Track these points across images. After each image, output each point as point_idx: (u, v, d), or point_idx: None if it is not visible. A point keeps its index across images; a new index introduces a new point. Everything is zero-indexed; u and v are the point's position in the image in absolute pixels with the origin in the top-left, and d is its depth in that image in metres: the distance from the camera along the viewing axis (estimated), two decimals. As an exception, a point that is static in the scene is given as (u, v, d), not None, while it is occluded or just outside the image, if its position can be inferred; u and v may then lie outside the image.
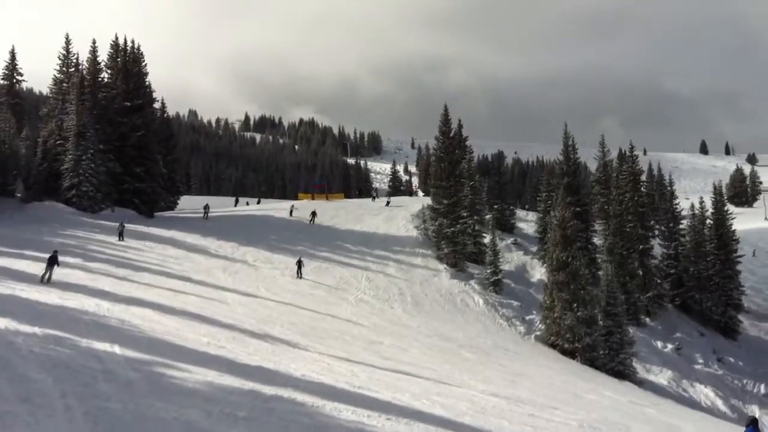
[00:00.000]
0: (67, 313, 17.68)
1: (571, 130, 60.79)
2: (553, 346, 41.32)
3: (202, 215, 58.44)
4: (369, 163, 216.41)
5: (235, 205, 78.04)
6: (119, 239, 41.42)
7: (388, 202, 76.92)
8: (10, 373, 10.76)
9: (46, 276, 24.47)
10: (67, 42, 59.21)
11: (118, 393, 10.88)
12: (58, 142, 52.80)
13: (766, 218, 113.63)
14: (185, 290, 28.61)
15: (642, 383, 39.86)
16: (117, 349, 13.93)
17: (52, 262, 24.70)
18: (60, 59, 59.22)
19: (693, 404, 39.08)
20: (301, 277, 40.98)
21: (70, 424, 8.69)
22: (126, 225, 44.08)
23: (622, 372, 39.93)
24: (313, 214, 59.80)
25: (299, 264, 42.10)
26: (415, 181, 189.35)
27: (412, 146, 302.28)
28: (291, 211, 63.03)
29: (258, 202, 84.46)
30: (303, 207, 66.73)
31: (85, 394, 10.34)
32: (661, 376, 42.59)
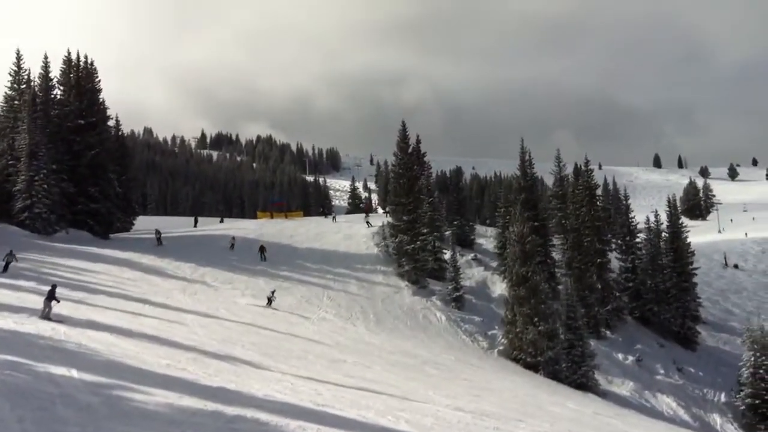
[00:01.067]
0: (22, 337, 17.23)
1: (526, 144, 61.53)
2: (515, 360, 41.53)
3: (155, 242, 52.61)
4: (328, 180, 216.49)
5: (195, 226, 74.96)
6: (3, 271, 33.31)
7: (333, 218, 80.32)
8: (-37, 401, 10.43)
9: (46, 311, 22.55)
10: (18, 57, 57.44)
11: (77, 417, 10.61)
12: (10, 162, 51.62)
13: (719, 231, 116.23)
14: (144, 312, 28.10)
15: (605, 395, 40.29)
16: (75, 373, 13.60)
17: (50, 297, 22.68)
18: (11, 75, 57.46)
19: (655, 414, 39.59)
20: (270, 305, 39.37)
21: (27, 452, 8.41)
22: (17, 255, 35.32)
23: (584, 384, 40.32)
24: (262, 249, 51.95)
25: (271, 295, 39.89)
26: (375, 197, 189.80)
27: (371, 162, 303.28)
28: (232, 245, 54.49)
29: (221, 221, 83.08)
30: (256, 229, 66.31)
31: (43, 418, 10.08)
32: (624, 388, 43.09)
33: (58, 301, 23.12)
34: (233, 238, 55.86)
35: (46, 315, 21.94)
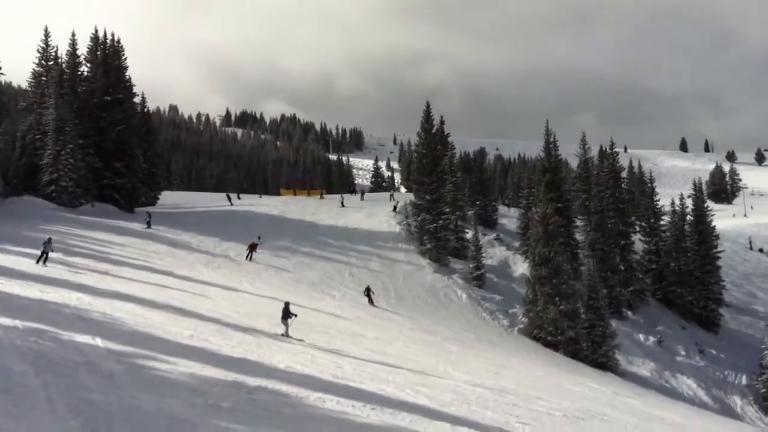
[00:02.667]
0: (48, 306, 17.49)
1: (548, 126, 61.14)
2: (536, 339, 41.54)
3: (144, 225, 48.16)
4: (351, 160, 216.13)
5: (230, 201, 71.60)
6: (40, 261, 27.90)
7: (361, 196, 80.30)
8: (-10, 366, 10.63)
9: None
10: (46, 35, 58.05)
11: (101, 385, 10.76)
12: (37, 136, 52.28)
13: (745, 215, 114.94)
14: (168, 285, 28.42)
15: (624, 375, 40.22)
16: (99, 342, 13.78)
17: (286, 315, 22.71)
18: (39, 52, 58.13)
19: (675, 395, 39.46)
20: (372, 304, 38.77)
21: (52, 415, 8.58)
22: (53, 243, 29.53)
23: (604, 364, 40.26)
24: (251, 247, 43.92)
25: (368, 292, 39.38)
26: (397, 177, 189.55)
27: (395, 142, 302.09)
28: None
29: (238, 197, 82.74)
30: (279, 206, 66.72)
31: (67, 385, 10.22)
32: (644, 368, 42.96)
33: (296, 316, 22.71)
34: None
35: (285, 333, 21.84)
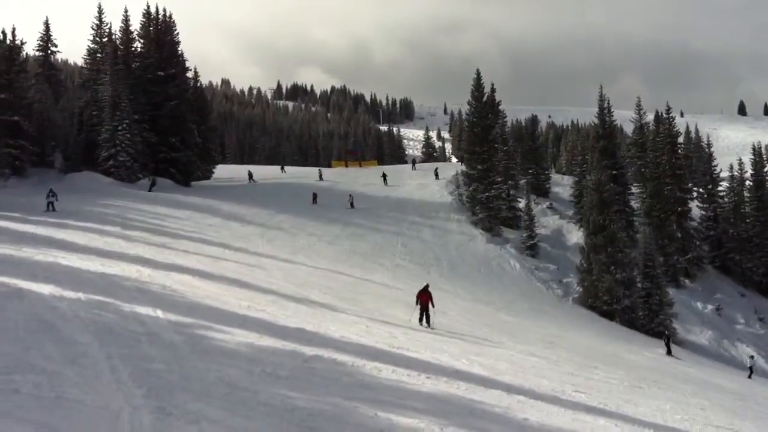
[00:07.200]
0: (109, 279, 17.89)
1: (592, 90, 60.19)
2: (591, 308, 41.22)
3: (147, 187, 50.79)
4: (402, 130, 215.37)
5: (282, 170, 78.49)
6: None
7: (413, 165, 79.02)
8: (56, 337, 10.93)
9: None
10: (100, 12, 59.10)
11: (162, 354, 11.00)
12: (94, 112, 53.34)
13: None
14: (224, 257, 28.86)
15: (682, 343, 39.68)
16: (159, 313, 14.06)
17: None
18: (93, 30, 59.29)
19: (734, 363, 38.86)
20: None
21: (116, 385, 8.81)
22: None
23: (662, 333, 39.74)
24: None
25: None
26: (448, 147, 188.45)
27: (445, 111, 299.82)
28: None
29: (282, 169, 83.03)
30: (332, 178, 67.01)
31: (130, 356, 10.47)
32: (702, 337, 42.34)
33: (433, 306, 22.03)
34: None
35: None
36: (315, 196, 52.82)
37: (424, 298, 21.84)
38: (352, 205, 52.12)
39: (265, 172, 72.70)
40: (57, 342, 10.59)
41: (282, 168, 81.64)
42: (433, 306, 21.81)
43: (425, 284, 22.89)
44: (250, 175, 64.21)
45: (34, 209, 34.63)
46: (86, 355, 10.08)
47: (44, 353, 9.70)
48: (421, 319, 21.52)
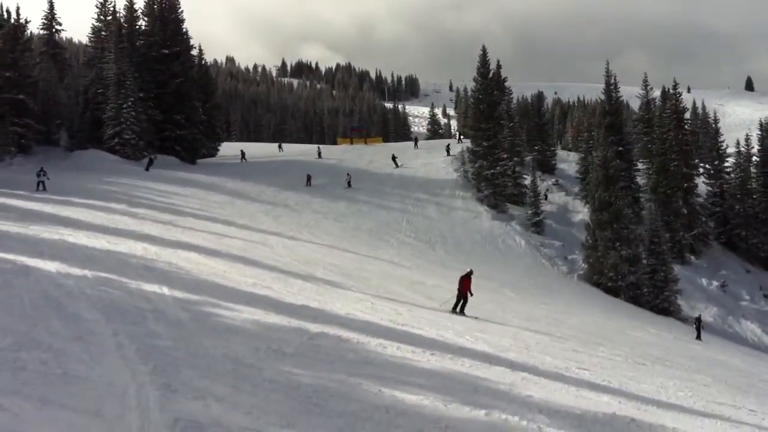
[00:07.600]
0: (115, 256, 17.95)
1: (597, 66, 59.84)
2: (596, 284, 41.30)
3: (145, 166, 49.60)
4: (407, 107, 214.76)
5: (280, 149, 77.80)
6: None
7: (416, 143, 75.85)
8: (63, 313, 10.99)
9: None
10: (104, -11, 59.04)
11: (168, 331, 11.05)
12: (99, 90, 53.28)
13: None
14: (229, 234, 28.91)
15: (687, 320, 39.69)
16: (166, 290, 14.12)
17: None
18: (97, 8, 59.26)
19: (739, 340, 38.97)
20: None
21: (123, 361, 8.86)
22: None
23: (666, 309, 39.91)
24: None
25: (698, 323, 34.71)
26: (454, 123, 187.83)
27: (450, 88, 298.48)
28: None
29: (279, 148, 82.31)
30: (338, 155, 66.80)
31: (136, 332, 10.52)
32: (707, 313, 42.38)
33: (471, 295, 21.09)
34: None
35: (460, 310, 20.64)
36: (309, 178, 50.81)
37: (466, 284, 20.85)
38: (349, 184, 50.99)
39: (263, 151, 72.53)
40: (63, 319, 10.65)
41: (279, 146, 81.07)
42: (471, 294, 20.90)
43: (469, 270, 21.79)
44: (243, 155, 62.42)
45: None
46: (93, 332, 10.14)
47: (51, 330, 9.75)
48: (455, 307, 20.53)
